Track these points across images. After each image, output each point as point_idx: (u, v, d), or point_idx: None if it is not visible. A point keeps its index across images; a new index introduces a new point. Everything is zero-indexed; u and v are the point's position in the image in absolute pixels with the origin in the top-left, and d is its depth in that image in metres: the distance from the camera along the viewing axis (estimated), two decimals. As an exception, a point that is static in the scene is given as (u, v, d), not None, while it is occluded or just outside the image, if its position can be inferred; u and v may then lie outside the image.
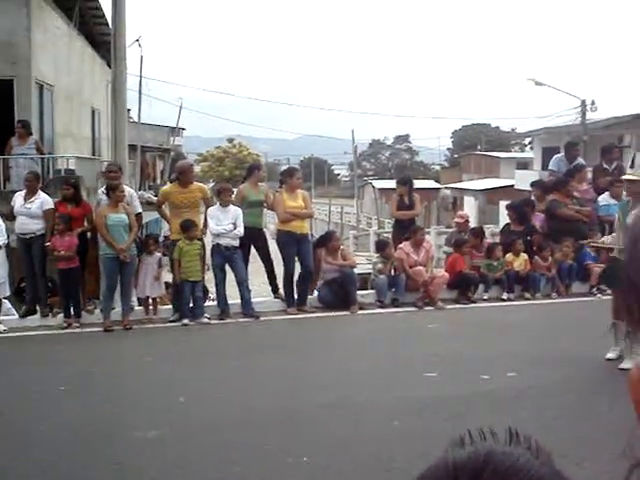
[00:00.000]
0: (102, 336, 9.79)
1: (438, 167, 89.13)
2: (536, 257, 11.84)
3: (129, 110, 18.85)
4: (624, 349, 7.24)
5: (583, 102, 30.41)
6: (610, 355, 7.47)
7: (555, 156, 13.81)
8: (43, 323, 10.40)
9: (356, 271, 11.76)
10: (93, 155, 21.24)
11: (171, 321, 10.40)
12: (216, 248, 10.60)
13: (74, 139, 19.78)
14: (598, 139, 24.18)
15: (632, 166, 7.63)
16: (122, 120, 12.13)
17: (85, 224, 10.51)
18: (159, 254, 10.73)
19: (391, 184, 14.82)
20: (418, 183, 23.79)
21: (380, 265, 11.58)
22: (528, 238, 12.11)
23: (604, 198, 12.31)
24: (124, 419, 6.34)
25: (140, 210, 11.17)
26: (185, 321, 10.23)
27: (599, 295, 11.57)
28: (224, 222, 10.48)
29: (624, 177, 7.95)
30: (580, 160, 13.34)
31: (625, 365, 7.09)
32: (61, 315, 10.31)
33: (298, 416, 6.24)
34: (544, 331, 9.37)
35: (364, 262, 15.88)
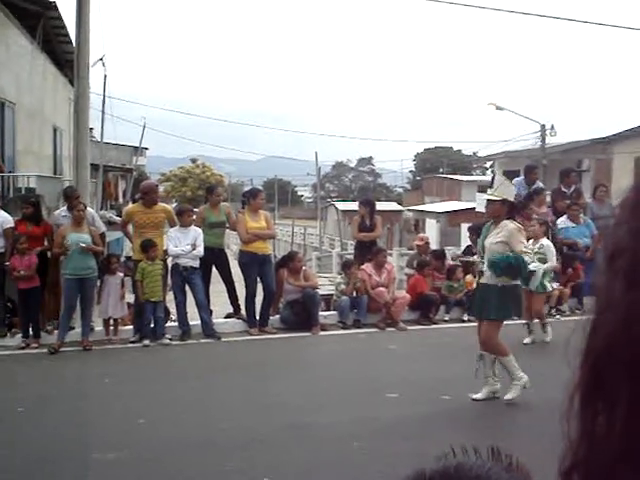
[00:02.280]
0: (61, 357, 9.67)
1: (400, 189, 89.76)
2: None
3: (91, 129, 18.72)
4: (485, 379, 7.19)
5: (543, 127, 30.88)
6: (478, 396, 7.18)
7: (515, 179, 14.00)
8: (1, 343, 10.24)
9: (318, 292, 11.78)
10: (54, 174, 21.02)
11: (132, 342, 10.32)
12: (175, 268, 10.58)
13: (35, 157, 19.58)
14: (557, 163, 24.56)
15: (491, 186, 7.56)
16: (84, 139, 12.05)
17: (45, 243, 10.41)
18: (121, 274, 10.65)
19: (354, 206, 14.89)
20: (381, 205, 23.92)
21: (342, 286, 11.63)
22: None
23: (562, 221, 12.52)
24: (83, 441, 6.27)
25: (104, 229, 11.10)
26: (146, 342, 10.16)
27: (558, 316, 11.74)
28: (183, 243, 10.45)
29: (484, 197, 7.75)
30: (539, 183, 13.54)
31: (478, 396, 7.09)
32: (20, 335, 10.17)
33: (259, 437, 6.22)
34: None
35: (327, 283, 15.91)
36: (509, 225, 7.10)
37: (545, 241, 10.21)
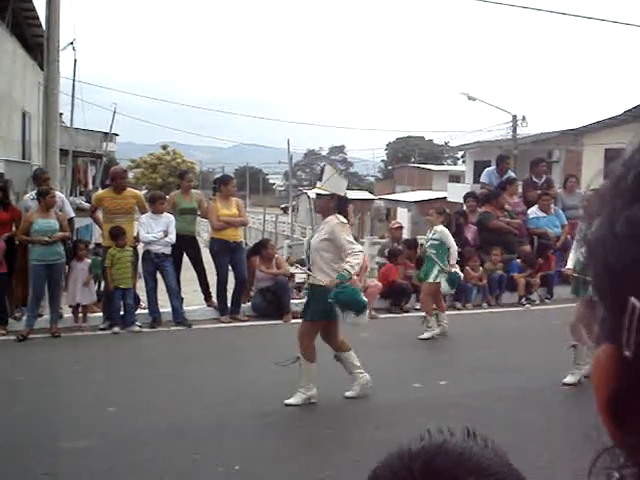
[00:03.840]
0: (29, 344, 9.55)
1: (372, 178, 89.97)
2: (467, 267, 12.04)
3: (61, 114, 18.48)
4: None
5: (514, 117, 31.08)
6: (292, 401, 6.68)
7: (486, 169, 14.07)
8: (-33, 330, 10.09)
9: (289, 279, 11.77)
10: (23, 159, 20.74)
11: (101, 329, 10.22)
12: (146, 255, 10.50)
13: (3, 142, 19.28)
14: (528, 153, 24.76)
15: (320, 178, 7.07)
16: (54, 124, 11.90)
17: (13, 229, 10.26)
18: (89, 260, 10.54)
19: (326, 194, 14.87)
20: (352, 194, 23.87)
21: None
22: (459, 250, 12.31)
23: (533, 211, 12.62)
24: (52, 429, 6.20)
25: (73, 215, 10.99)
26: (116, 329, 10.08)
27: (528, 305, 11.84)
28: (155, 229, 10.38)
29: (314, 191, 7.24)
30: (511, 173, 13.62)
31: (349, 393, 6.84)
32: (-14, 322, 10.03)
33: (231, 425, 6.20)
34: (475, 340, 9.52)
35: (298, 271, 15.89)
36: (332, 220, 6.59)
37: (439, 227, 9.64)
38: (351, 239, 6.67)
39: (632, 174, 0.50)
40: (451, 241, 9.67)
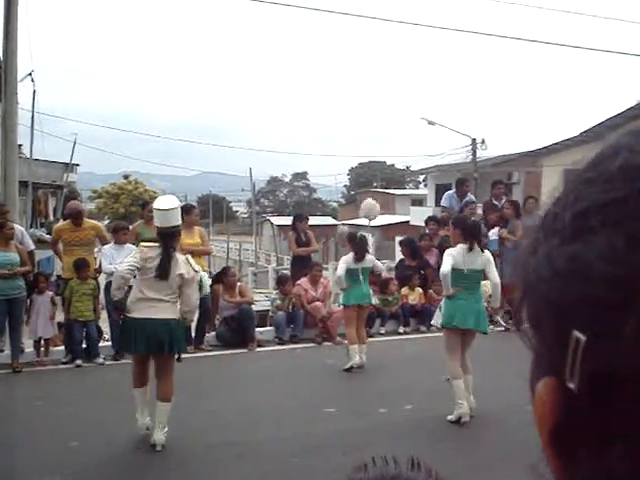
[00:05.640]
0: (-10, 380, 9.39)
1: (335, 204, 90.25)
2: (430, 290, 12.12)
3: (20, 145, 18.31)
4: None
5: (474, 141, 31.41)
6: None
7: (447, 193, 14.20)
8: None
9: (254, 308, 11.73)
10: (-19, 192, 20.49)
11: (63, 362, 10.08)
12: (109, 286, 10.39)
13: (-39, 175, 19.04)
14: (488, 176, 25.04)
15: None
16: (12, 156, 11.81)
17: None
18: (51, 293, 10.41)
19: (289, 221, 14.92)
20: (315, 220, 23.91)
21: (279, 301, 11.60)
22: (421, 272, 12.40)
23: (494, 233, 12.74)
24: (13, 466, 6.09)
25: (33, 247, 10.85)
26: (78, 362, 9.95)
27: (491, 327, 11.90)
28: (118, 260, 10.28)
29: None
30: (470, 196, 13.76)
31: None
32: (-55, 359, 9.84)
33: (196, 456, 6.14)
34: (440, 364, 9.53)
35: (263, 299, 15.85)
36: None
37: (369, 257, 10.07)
38: (128, 260, 7.05)
39: (569, 214, 0.52)
40: (338, 272, 10.03)
